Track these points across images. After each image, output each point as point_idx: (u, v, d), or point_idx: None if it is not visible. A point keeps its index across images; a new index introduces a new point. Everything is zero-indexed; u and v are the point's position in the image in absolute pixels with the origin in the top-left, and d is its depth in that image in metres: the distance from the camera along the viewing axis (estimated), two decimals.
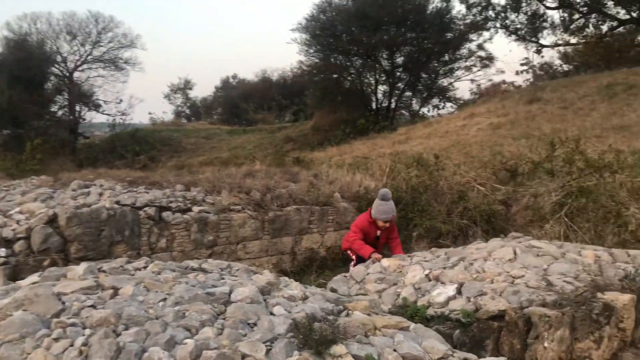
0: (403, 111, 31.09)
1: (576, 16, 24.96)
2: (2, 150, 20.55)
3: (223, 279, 3.41)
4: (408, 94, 30.32)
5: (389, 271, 4.86)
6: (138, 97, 42.63)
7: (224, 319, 2.68)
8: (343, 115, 27.72)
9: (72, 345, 2.33)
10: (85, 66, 27.14)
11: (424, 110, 30.93)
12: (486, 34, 27.81)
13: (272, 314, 2.79)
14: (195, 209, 6.95)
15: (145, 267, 3.50)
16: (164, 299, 2.86)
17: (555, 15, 27.32)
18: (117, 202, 6.53)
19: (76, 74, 26.86)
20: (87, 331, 2.45)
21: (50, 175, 9.92)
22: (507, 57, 75.55)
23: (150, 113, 36.81)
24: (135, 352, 2.29)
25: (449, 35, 28.01)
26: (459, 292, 4.08)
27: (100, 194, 6.90)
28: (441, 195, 8.05)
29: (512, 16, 27.33)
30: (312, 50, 28.69)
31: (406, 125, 24.44)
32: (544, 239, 5.82)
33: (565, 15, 25.22)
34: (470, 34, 28.27)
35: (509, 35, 28.79)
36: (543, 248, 4.71)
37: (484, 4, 27.10)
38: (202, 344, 2.36)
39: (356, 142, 20.98)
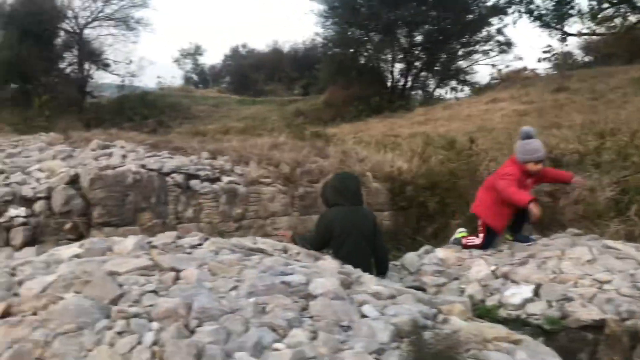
0: (418, 91, 30.47)
1: (605, 5, 24.17)
2: (9, 105, 19.96)
3: (289, 264, 2.97)
4: (424, 74, 29.67)
5: (448, 264, 4.44)
6: (148, 60, 41.50)
7: (310, 317, 2.24)
8: (357, 92, 27.08)
9: (140, 342, 1.91)
10: (96, 23, 26.22)
11: (440, 91, 30.30)
12: (508, 19, 26.96)
13: (363, 315, 2.36)
14: (225, 179, 6.50)
15: (200, 245, 3.06)
16: (235, 287, 2.43)
17: (583, 3, 26.50)
18: (143, 167, 6.08)
19: (86, 31, 25.97)
20: (155, 325, 2.02)
21: (58, 133, 9.47)
22: (530, 43, 73.99)
23: (158, 77, 35.93)
24: (219, 358, 1.87)
25: (470, 16, 27.27)
26: (536, 294, 3.66)
27: (124, 156, 6.46)
28: (481, 182, 7.59)
29: (538, 1, 26.46)
30: (328, 23, 28.00)
31: (421, 105, 23.87)
32: (605, 238, 5.40)
33: (594, 3, 24.41)
34: (491, 17, 27.49)
35: (533, 20, 27.99)
36: (621, 250, 4.28)
37: None
38: (297, 351, 1.93)
39: (372, 120, 20.42)
